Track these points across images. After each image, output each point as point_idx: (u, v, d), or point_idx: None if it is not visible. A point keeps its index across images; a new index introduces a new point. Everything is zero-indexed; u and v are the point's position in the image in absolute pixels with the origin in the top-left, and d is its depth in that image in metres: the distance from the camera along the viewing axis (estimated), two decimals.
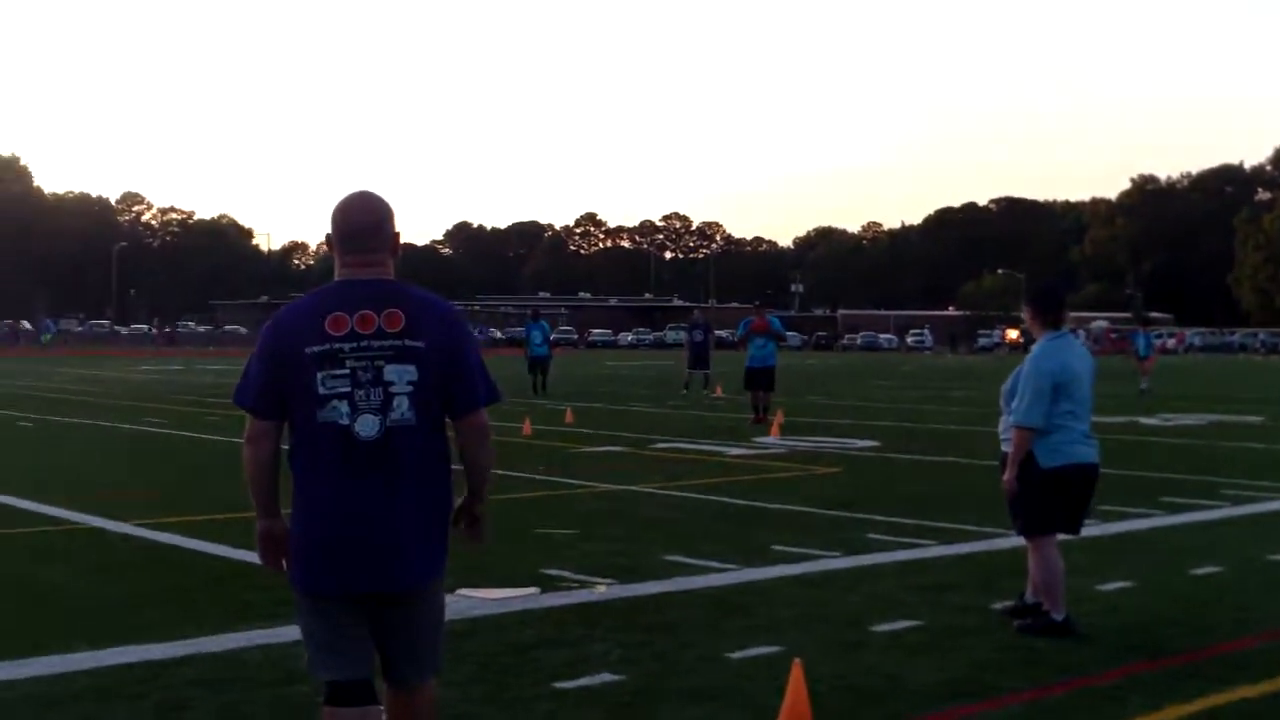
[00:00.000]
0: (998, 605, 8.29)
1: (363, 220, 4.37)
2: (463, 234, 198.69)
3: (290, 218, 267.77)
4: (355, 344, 4.21)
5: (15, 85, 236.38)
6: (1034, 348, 8.00)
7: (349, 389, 4.19)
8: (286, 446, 4.35)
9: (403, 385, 4.22)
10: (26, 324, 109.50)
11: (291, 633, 7.44)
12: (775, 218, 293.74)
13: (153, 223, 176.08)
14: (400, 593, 4.30)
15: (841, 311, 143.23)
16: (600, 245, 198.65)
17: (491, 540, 4.58)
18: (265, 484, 4.38)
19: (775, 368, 24.84)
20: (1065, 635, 7.60)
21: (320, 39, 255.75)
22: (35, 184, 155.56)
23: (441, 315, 4.35)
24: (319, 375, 4.20)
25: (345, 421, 4.18)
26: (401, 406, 4.21)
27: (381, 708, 4.40)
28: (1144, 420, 25.27)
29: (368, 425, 4.19)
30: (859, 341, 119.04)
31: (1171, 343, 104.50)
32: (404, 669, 4.42)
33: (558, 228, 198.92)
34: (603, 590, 8.88)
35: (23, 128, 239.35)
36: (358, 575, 4.23)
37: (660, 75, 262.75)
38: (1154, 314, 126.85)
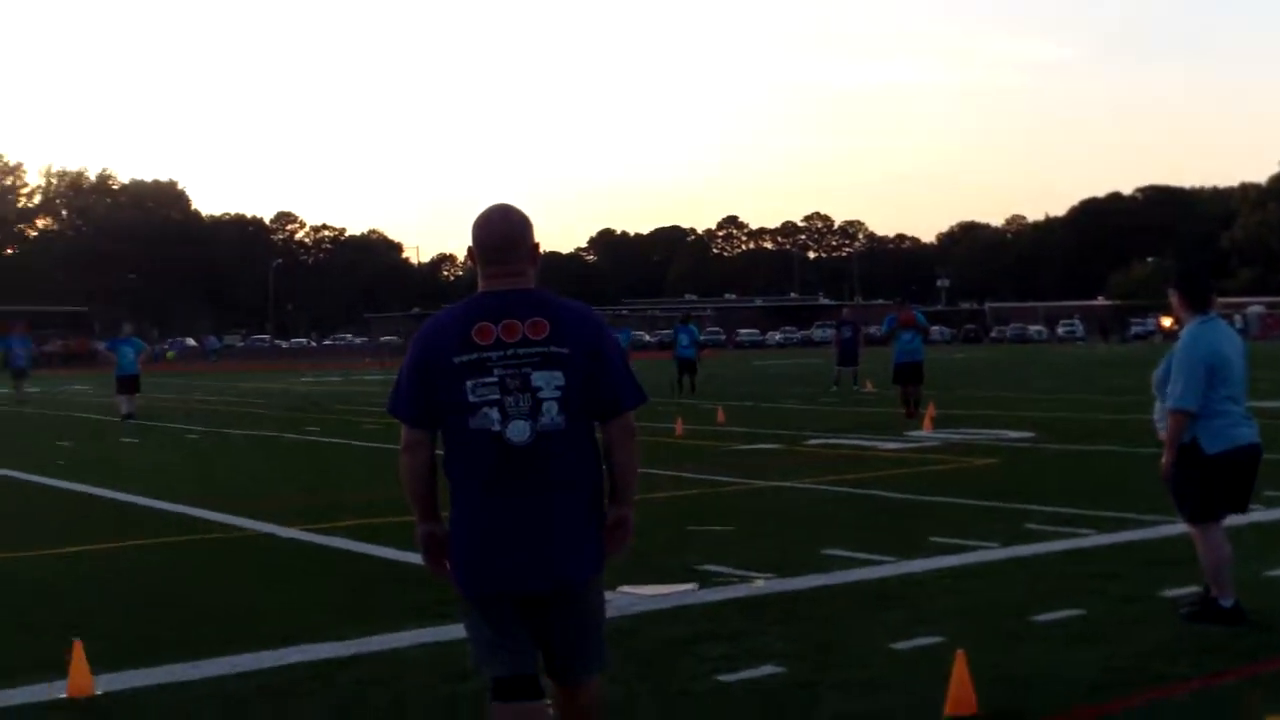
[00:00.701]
0: (1175, 595, 8.13)
1: (503, 233, 4.49)
2: (606, 240, 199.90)
3: (438, 231, 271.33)
4: (502, 352, 4.33)
5: (173, 113, 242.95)
6: (1183, 333, 7.89)
7: (498, 396, 4.31)
8: (441, 452, 4.47)
9: (550, 391, 4.32)
10: (192, 340, 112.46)
11: (457, 631, 7.59)
12: (917, 214, 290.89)
13: (306, 240, 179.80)
14: (559, 591, 4.40)
15: (989, 304, 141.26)
16: (743, 247, 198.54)
17: (628, 549, 4.63)
18: (423, 490, 4.52)
19: (923, 362, 24.70)
20: (1234, 622, 7.47)
21: (464, 56, 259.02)
22: (194, 207, 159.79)
23: (585, 321, 4.45)
24: (468, 384, 4.32)
25: (497, 428, 4.30)
26: (551, 411, 4.32)
27: (548, 703, 4.50)
28: None
29: (519, 431, 4.30)
30: (1008, 334, 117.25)
31: None
32: (568, 665, 4.52)
33: (699, 231, 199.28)
34: (761, 584, 8.93)
35: (180, 153, 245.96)
36: (516, 576, 4.34)
37: (797, 77, 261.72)
38: None
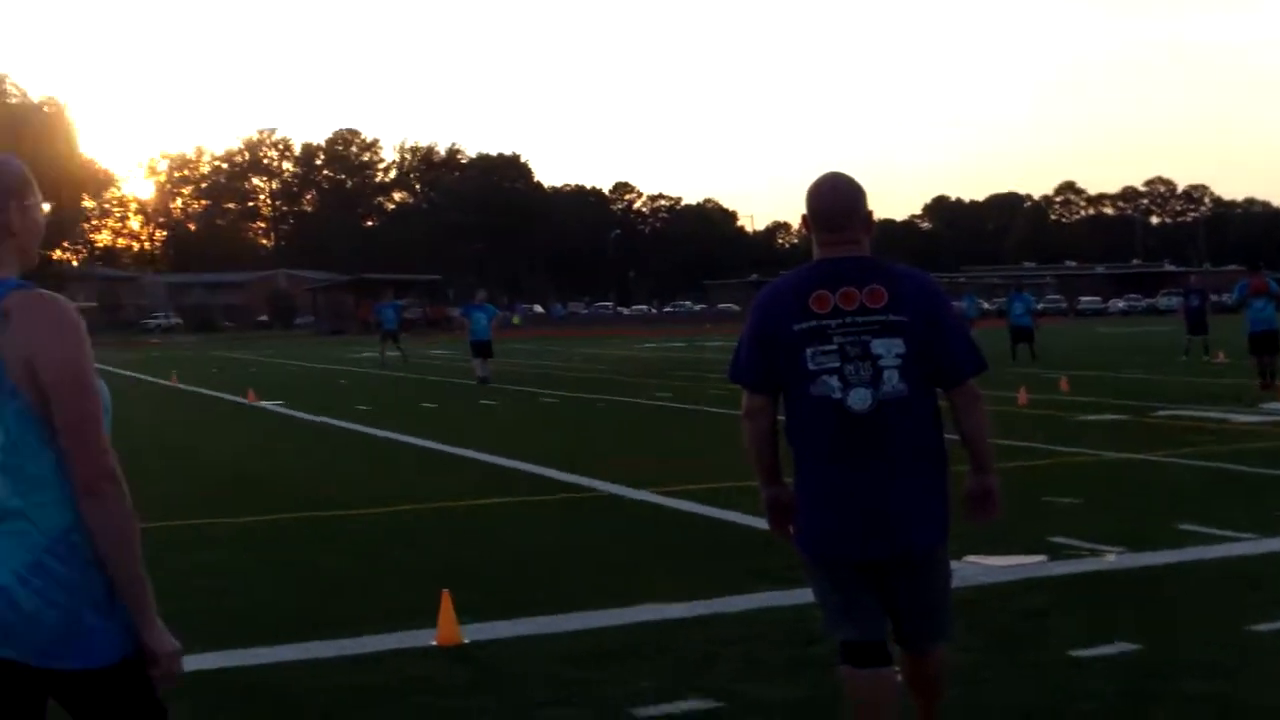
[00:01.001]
0: None
1: (836, 202, 4.51)
2: (940, 207, 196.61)
3: (772, 199, 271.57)
4: (840, 320, 4.37)
5: (517, 88, 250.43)
6: None
7: (838, 364, 4.35)
8: (782, 419, 4.57)
9: (891, 358, 4.35)
10: (539, 308, 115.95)
11: (804, 595, 7.69)
12: (1268, 177, 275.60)
13: (643, 209, 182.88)
14: (904, 557, 4.45)
15: None
16: (1081, 213, 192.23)
17: (1001, 513, 4.65)
18: (766, 455, 4.62)
19: (1279, 331, 23.44)
20: None
21: (798, 25, 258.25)
22: (535, 179, 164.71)
23: (922, 288, 4.47)
24: (807, 351, 4.38)
25: (838, 395, 4.35)
26: (892, 379, 4.35)
27: (895, 669, 4.55)
28: None
29: (860, 398, 4.34)
30: None
31: None
32: (915, 632, 4.57)
33: (1036, 197, 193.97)
34: (1112, 559, 8.79)
35: (523, 127, 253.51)
36: (862, 543, 4.39)
37: (1136, 34, 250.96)
38: None
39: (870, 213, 4.57)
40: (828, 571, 4.50)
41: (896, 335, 4.35)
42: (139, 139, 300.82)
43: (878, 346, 4.34)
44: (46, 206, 3.21)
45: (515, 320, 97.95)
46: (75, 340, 2.97)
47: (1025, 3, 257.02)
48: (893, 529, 4.38)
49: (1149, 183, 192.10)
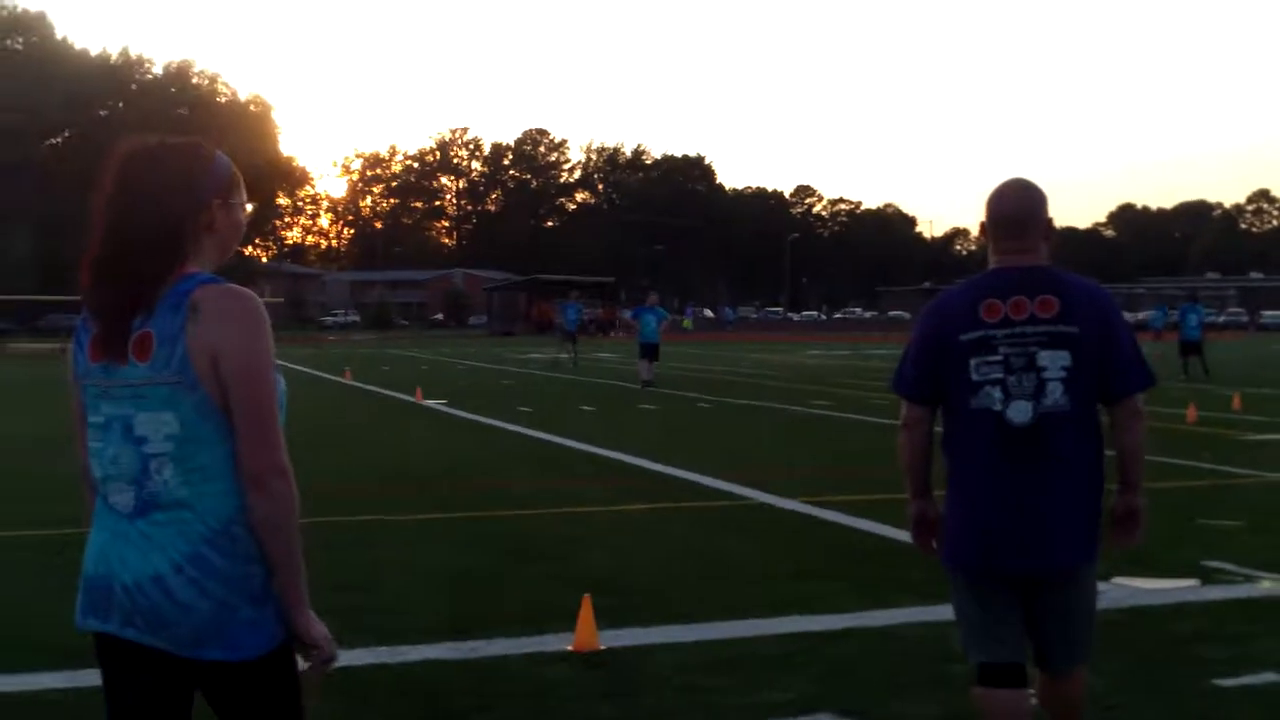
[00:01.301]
0: None
1: (1017, 209, 4.45)
2: (1126, 215, 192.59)
3: (952, 204, 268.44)
4: (1009, 330, 4.30)
5: (705, 90, 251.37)
6: None
7: (1001, 375, 4.29)
8: (940, 430, 4.54)
9: (1056, 371, 4.27)
10: (709, 311, 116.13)
11: (948, 612, 7.65)
12: None
13: (823, 214, 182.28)
14: (1052, 576, 4.37)
15: None
16: (1275, 222, 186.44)
17: (1143, 539, 4.55)
18: (920, 468, 4.58)
19: None
20: None
21: (986, 35, 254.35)
22: (717, 181, 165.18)
23: (1094, 299, 4.37)
24: (972, 362, 4.32)
25: (998, 408, 4.28)
26: (1055, 393, 4.26)
27: (1031, 692, 4.49)
28: None
29: (1020, 411, 4.26)
30: None
31: None
32: (1056, 654, 4.48)
33: (1227, 206, 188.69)
34: (1268, 585, 8.56)
35: (709, 129, 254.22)
36: (1010, 557, 4.32)
37: None
38: None
39: (1050, 220, 4.49)
40: (973, 587, 4.44)
41: (1064, 347, 4.28)
42: (338, 138, 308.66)
43: (1044, 358, 4.28)
44: (250, 206, 3.28)
45: (686, 324, 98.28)
46: (260, 334, 3.03)
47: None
48: (1045, 545, 4.30)
49: None
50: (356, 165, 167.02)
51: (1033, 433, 4.26)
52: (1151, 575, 8.68)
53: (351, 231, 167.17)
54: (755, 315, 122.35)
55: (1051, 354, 4.27)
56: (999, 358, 4.30)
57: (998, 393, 4.29)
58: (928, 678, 6.50)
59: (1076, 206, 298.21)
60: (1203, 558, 9.29)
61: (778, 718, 5.94)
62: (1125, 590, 8.30)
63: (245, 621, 3.02)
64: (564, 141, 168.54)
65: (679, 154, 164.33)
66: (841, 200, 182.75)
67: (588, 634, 7.05)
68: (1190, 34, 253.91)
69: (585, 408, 24.38)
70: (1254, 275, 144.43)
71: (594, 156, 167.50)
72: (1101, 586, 8.22)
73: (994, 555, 4.35)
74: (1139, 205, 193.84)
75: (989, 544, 4.35)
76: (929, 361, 4.44)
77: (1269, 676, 6.47)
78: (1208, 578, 8.73)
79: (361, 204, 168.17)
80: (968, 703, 5.37)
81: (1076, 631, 4.49)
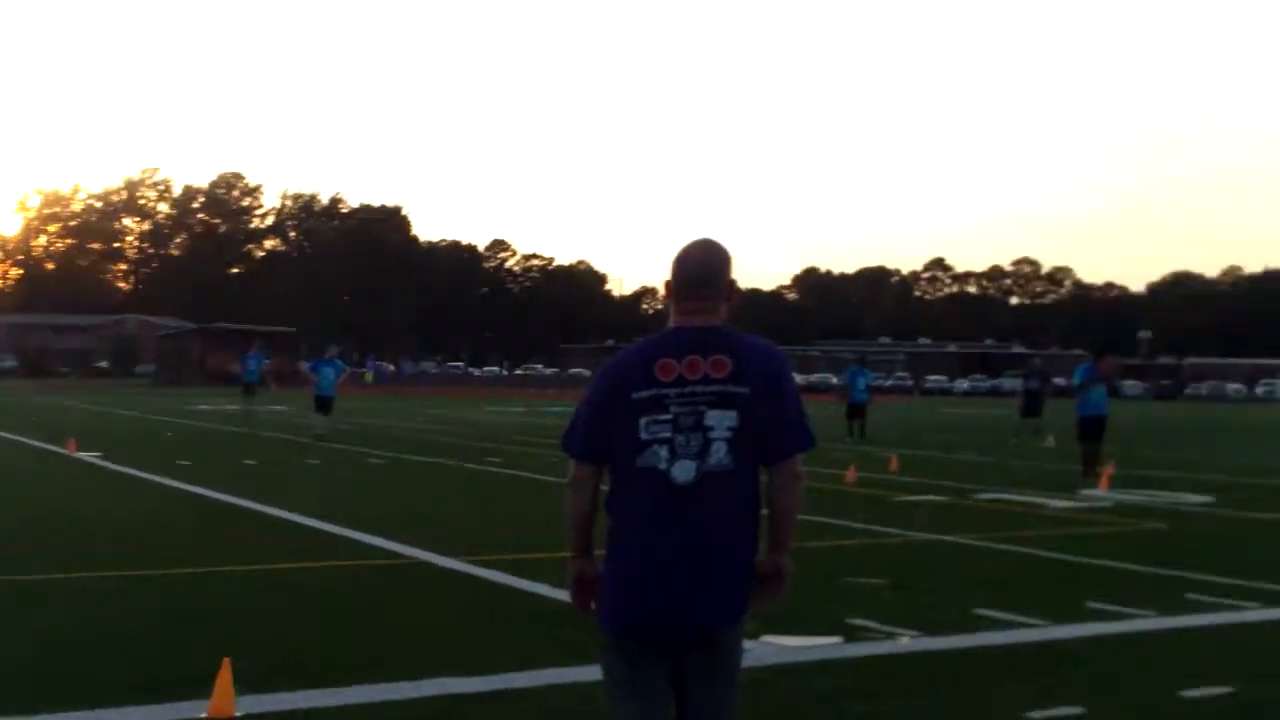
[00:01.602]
0: None
1: (701, 269, 4.47)
2: (810, 279, 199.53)
3: (644, 262, 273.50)
4: (680, 389, 4.30)
5: (403, 139, 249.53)
6: None
7: (670, 434, 4.28)
8: (605, 488, 4.49)
9: (722, 431, 4.28)
10: (391, 366, 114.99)
11: (598, 672, 7.67)
12: (1129, 263, 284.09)
13: (515, 269, 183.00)
14: (703, 637, 4.37)
15: (1189, 360, 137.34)
16: (947, 290, 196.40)
17: (786, 599, 4.56)
18: (583, 527, 4.50)
19: (1107, 417, 23.77)
20: None
21: (678, 95, 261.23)
22: (413, 232, 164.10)
23: (768, 360, 4.40)
24: (642, 420, 4.31)
25: (663, 466, 4.28)
26: (719, 452, 4.28)
27: None
28: None
29: (684, 470, 4.27)
30: (1204, 391, 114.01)
31: None
32: (702, 712, 4.45)
33: (905, 273, 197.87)
34: (906, 642, 8.85)
35: (404, 179, 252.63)
36: (665, 616, 4.31)
37: (1008, 117, 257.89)
38: None
39: (733, 282, 4.51)
40: (623, 648, 4.40)
41: (732, 407, 4.29)
42: (20, 176, 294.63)
43: (711, 418, 4.28)
44: None
45: (367, 377, 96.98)
46: None
47: (896, 81, 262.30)
48: (702, 605, 4.31)
49: (1016, 263, 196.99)
50: (34, 203, 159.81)
51: (695, 492, 4.27)
52: (798, 633, 8.86)
53: (20, 272, 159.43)
54: (435, 369, 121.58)
55: (719, 414, 4.28)
56: (669, 417, 4.29)
57: (664, 451, 4.29)
58: None
59: (762, 268, 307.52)
60: (848, 615, 9.54)
61: None
62: (772, 648, 8.45)
63: None
64: (259, 187, 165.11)
65: (376, 203, 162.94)
66: (535, 256, 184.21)
67: (224, 700, 6.76)
68: (873, 105, 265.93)
69: (249, 461, 23.72)
70: (923, 341, 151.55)
71: (289, 203, 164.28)
72: (750, 644, 8.37)
73: (647, 615, 4.33)
74: (822, 269, 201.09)
75: (643, 603, 4.33)
76: (601, 419, 4.40)
77: None
78: (851, 635, 8.97)
79: (34, 244, 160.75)
80: None
81: (725, 691, 4.47)
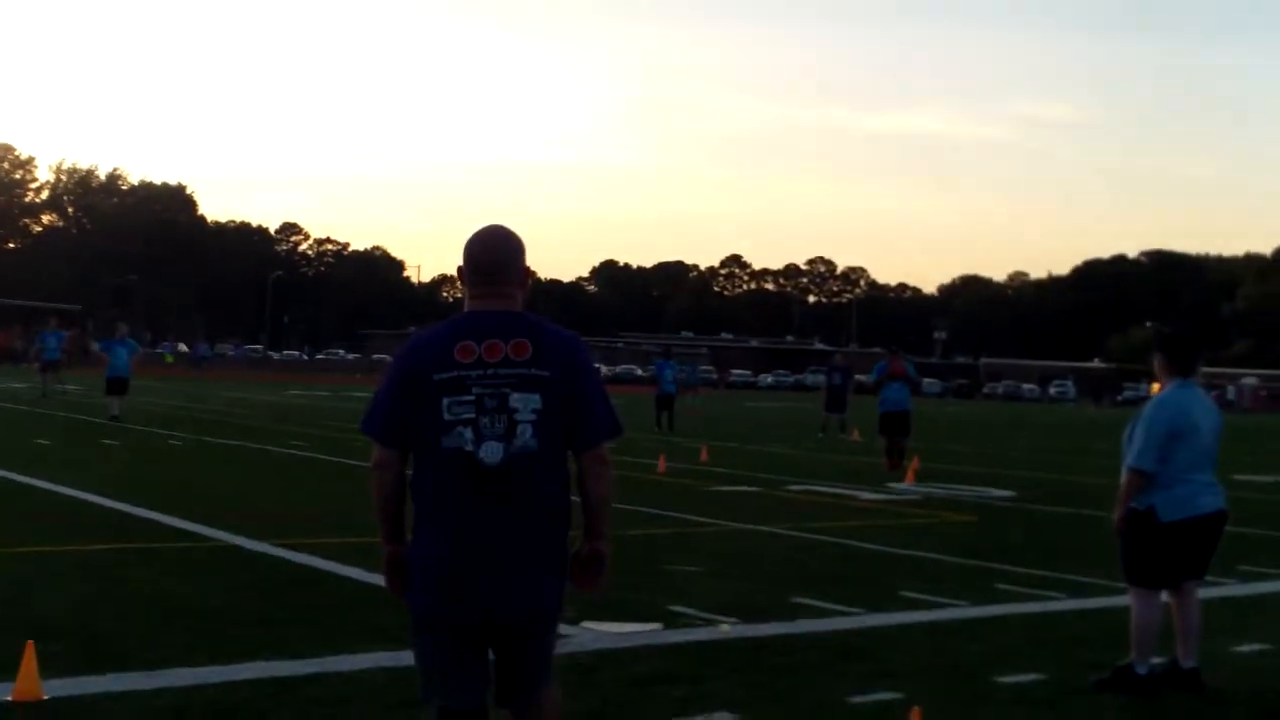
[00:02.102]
0: (1139, 668, 8.04)
1: (494, 255, 4.48)
2: (609, 272, 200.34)
3: (442, 250, 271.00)
4: (482, 371, 4.29)
5: (188, 116, 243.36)
6: (1155, 395, 7.89)
7: (473, 415, 4.27)
8: (411, 472, 4.42)
9: (527, 413, 4.28)
10: (184, 346, 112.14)
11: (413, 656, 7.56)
12: (920, 265, 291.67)
13: (309, 252, 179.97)
14: (514, 621, 4.36)
15: (984, 360, 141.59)
16: (744, 287, 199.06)
17: (606, 585, 4.57)
18: (391, 510, 4.46)
19: (910, 413, 24.32)
20: (1148, 693, 7.40)
21: (484, 83, 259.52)
22: (200, 212, 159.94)
23: (568, 346, 4.42)
24: (445, 401, 4.28)
25: (469, 448, 4.26)
26: (525, 434, 4.28)
27: None
28: None
29: (492, 451, 4.26)
30: (1000, 390, 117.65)
31: None
32: (520, 691, 4.49)
33: (703, 268, 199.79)
34: (726, 629, 8.87)
35: (193, 157, 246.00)
36: (476, 603, 4.29)
37: (809, 119, 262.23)
38: None
39: (528, 269, 4.54)
40: (435, 632, 4.37)
41: (535, 390, 4.29)
42: None
43: (515, 400, 4.28)
44: None
45: (169, 359, 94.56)
46: None
47: (702, 79, 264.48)
48: (517, 591, 4.30)
49: (811, 262, 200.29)
50: None
51: (503, 473, 4.25)
52: (619, 620, 8.84)
53: None
54: (233, 352, 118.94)
55: (523, 396, 4.28)
56: (471, 398, 4.27)
57: (469, 433, 4.26)
58: None
59: (562, 260, 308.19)
60: (668, 603, 9.55)
61: None
62: (592, 634, 8.42)
63: None
64: (31, 159, 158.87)
65: (159, 181, 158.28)
66: (329, 240, 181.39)
67: (29, 684, 6.50)
68: (668, 101, 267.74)
69: (44, 441, 22.94)
70: (725, 335, 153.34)
71: (64, 177, 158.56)
72: (570, 630, 8.37)
73: (459, 601, 4.30)
74: (621, 262, 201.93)
75: (454, 588, 4.29)
76: (400, 402, 4.37)
77: (722, 715, 6.66)
78: (671, 621, 8.97)
79: None
80: None
81: (540, 668, 4.50)
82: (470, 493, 4.27)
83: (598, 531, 4.47)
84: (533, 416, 4.28)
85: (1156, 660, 8.09)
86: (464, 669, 4.37)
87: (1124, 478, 7.71)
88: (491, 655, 4.47)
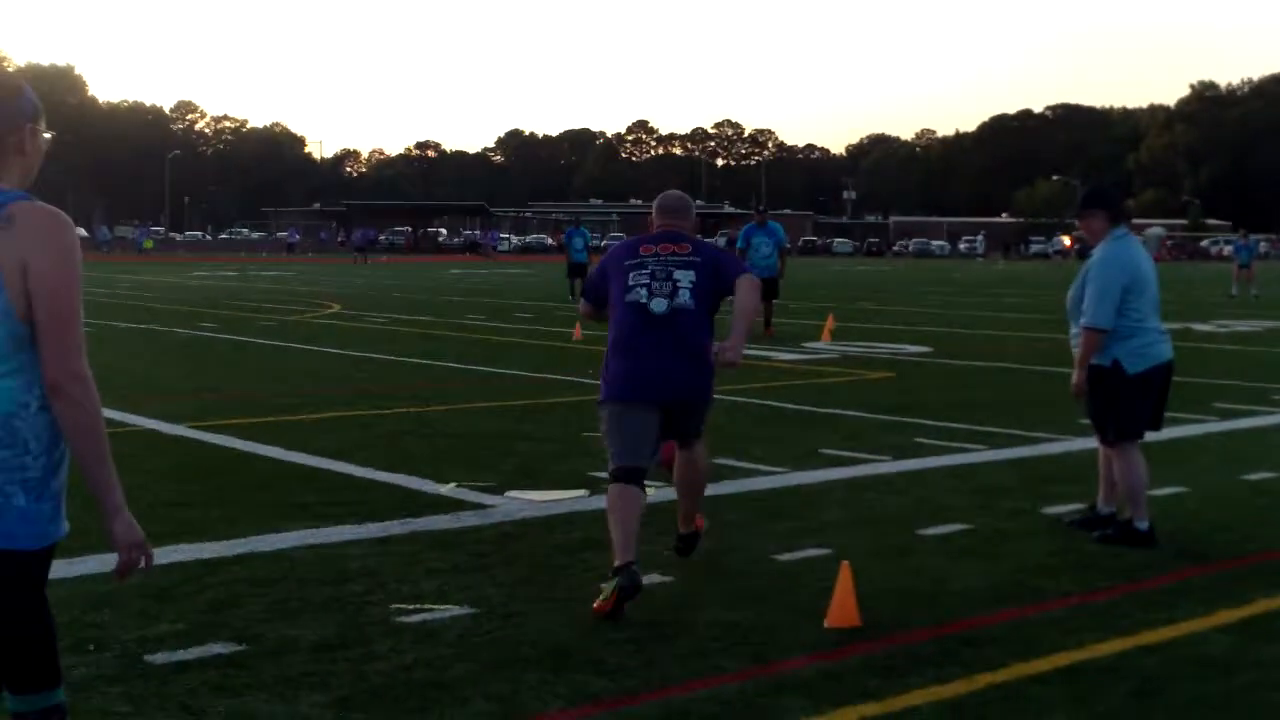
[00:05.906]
0: (1065, 516, 8.17)
1: (672, 201, 7.12)
2: (514, 141, 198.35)
3: (343, 125, 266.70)
4: (656, 257, 6.74)
5: None
6: (1097, 250, 7.88)
7: (648, 281, 6.65)
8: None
9: (685, 283, 6.65)
10: (83, 231, 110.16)
11: (339, 534, 7.53)
12: (828, 125, 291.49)
13: (206, 131, 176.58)
14: (679, 403, 6.64)
15: (894, 219, 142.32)
16: (652, 153, 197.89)
17: (735, 361, 6.51)
18: (589, 317, 7.24)
19: (777, 278, 22.91)
20: (1149, 544, 7.50)
21: None
22: (90, 94, 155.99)
23: (712, 248, 6.99)
24: (630, 274, 6.71)
25: (644, 301, 6.61)
26: (684, 295, 6.62)
27: (642, 493, 6.47)
28: (1198, 327, 25.02)
29: (659, 305, 6.60)
30: (910, 248, 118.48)
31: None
32: (685, 439, 6.91)
33: (609, 135, 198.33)
34: (651, 493, 8.85)
35: (78, 37, 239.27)
36: (650, 391, 6.54)
37: None
38: (1211, 221, 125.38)
39: (697, 215, 7.27)
40: (617, 411, 6.54)
41: (691, 269, 6.67)
42: None
43: (679, 275, 6.65)
44: (48, 135, 3.51)
45: (149, 244, 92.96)
46: (72, 254, 3.30)
47: None
48: (672, 384, 6.57)
49: (718, 125, 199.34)
50: None
51: (666, 319, 6.57)
52: (544, 487, 8.87)
53: None
54: (134, 236, 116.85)
55: (683, 272, 6.67)
56: (647, 271, 6.68)
57: (644, 292, 6.64)
58: (322, 600, 6.31)
59: (466, 130, 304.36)
60: (590, 469, 9.51)
61: (161, 651, 5.57)
62: (519, 503, 8.44)
63: (18, 511, 3.31)
64: None
65: (46, 63, 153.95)
66: (226, 118, 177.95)
67: None
68: None
69: None
70: (634, 202, 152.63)
71: None
72: (495, 500, 8.36)
73: (638, 389, 6.54)
74: (526, 131, 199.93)
75: (634, 384, 6.54)
76: (601, 278, 6.91)
77: (653, 578, 6.66)
78: (595, 488, 8.95)
79: None
80: (360, 622, 5.27)
81: (695, 427, 6.88)
82: (644, 328, 6.58)
83: (737, 327, 6.57)
84: (690, 285, 6.63)
85: (1077, 507, 8.23)
86: (634, 438, 6.50)
87: (1081, 339, 7.72)
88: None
